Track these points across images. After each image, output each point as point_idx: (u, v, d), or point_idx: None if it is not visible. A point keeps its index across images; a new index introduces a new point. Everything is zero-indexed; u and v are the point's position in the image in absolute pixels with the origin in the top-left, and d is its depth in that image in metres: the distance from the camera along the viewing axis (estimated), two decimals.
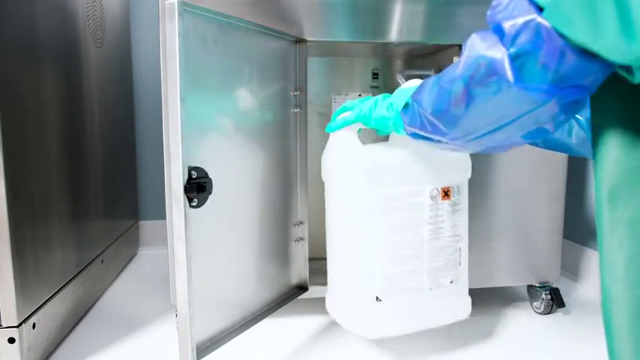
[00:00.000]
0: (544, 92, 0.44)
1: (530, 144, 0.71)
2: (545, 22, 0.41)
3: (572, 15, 0.39)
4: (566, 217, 1.11)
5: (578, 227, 1.36)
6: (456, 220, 0.86)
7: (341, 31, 0.98)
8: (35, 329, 0.87)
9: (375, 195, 0.80)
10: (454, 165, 0.86)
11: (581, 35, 0.39)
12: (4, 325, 0.80)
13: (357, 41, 1.00)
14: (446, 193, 0.83)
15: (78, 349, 0.97)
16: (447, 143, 0.63)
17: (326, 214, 0.91)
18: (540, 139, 0.74)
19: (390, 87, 1.31)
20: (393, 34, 1.00)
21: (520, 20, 0.42)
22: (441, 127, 0.60)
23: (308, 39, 0.97)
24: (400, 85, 0.87)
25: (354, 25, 0.98)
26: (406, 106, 0.69)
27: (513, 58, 0.44)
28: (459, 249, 0.87)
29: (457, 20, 1.00)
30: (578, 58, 0.41)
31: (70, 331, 1.05)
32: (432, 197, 0.82)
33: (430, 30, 1.00)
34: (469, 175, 0.89)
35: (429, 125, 0.62)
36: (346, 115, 0.83)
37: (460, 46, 1.03)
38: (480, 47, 0.48)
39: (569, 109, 0.47)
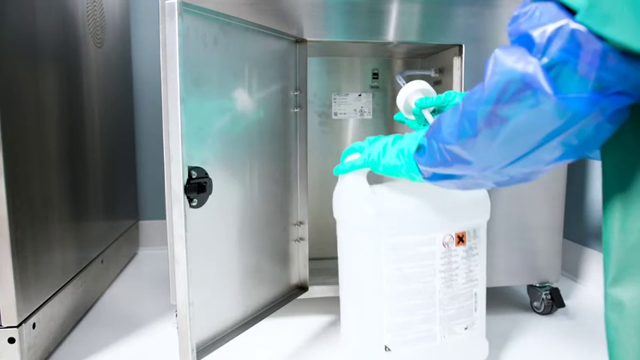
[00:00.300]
0: (586, 102, 0.41)
1: None
2: (580, 27, 0.38)
3: (612, 12, 0.36)
4: (566, 217, 1.11)
5: (578, 227, 1.36)
6: (472, 264, 0.81)
7: (341, 31, 0.98)
8: (35, 329, 0.87)
9: (382, 243, 0.76)
10: (470, 208, 0.81)
11: (625, 34, 0.36)
12: (4, 325, 0.80)
13: (356, 41, 1.00)
14: (460, 239, 0.79)
15: (78, 349, 0.97)
16: (471, 178, 0.57)
17: (338, 253, 0.87)
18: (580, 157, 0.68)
19: (390, 87, 1.31)
20: (393, 34, 1.00)
21: (550, 27, 0.40)
22: (468, 157, 0.53)
23: (308, 39, 0.97)
24: (401, 86, 0.87)
25: (353, 25, 0.98)
26: (419, 148, 0.64)
27: (547, 69, 0.41)
28: (475, 294, 0.82)
29: (457, 20, 1.00)
30: (620, 61, 0.38)
31: (70, 331, 1.05)
32: (445, 244, 0.78)
33: (430, 30, 1.00)
34: (488, 217, 0.84)
35: (451, 158, 0.56)
36: (354, 157, 0.79)
37: (460, 47, 1.04)
38: (508, 61, 0.43)
39: (614, 119, 0.43)
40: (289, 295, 0.99)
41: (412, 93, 0.83)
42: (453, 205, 0.79)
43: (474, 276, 0.82)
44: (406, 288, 0.77)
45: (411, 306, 0.78)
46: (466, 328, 0.82)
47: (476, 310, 0.83)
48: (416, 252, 0.77)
